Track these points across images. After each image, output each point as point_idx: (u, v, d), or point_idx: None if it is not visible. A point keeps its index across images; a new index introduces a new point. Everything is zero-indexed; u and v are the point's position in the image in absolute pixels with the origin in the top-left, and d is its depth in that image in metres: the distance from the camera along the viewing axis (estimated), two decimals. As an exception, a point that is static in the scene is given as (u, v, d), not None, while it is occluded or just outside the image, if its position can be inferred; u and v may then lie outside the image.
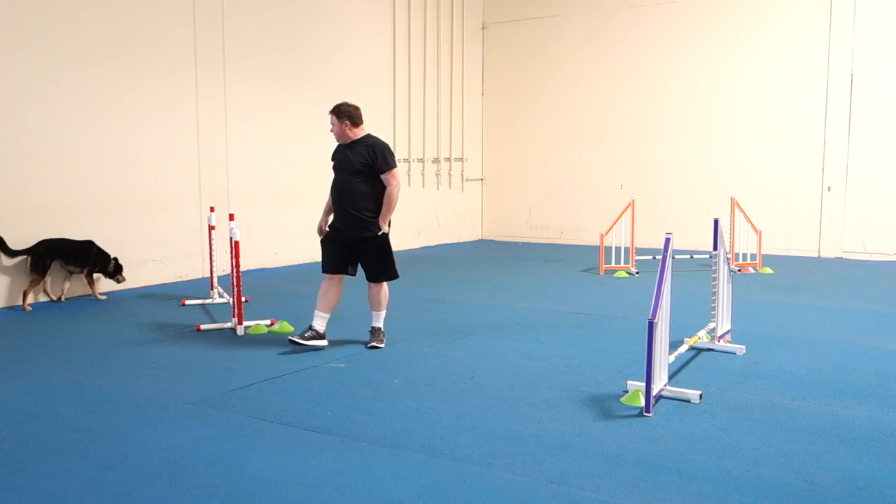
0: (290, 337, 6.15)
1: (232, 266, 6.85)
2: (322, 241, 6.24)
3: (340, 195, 6.08)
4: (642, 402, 4.59)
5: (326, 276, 6.20)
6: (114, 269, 8.48)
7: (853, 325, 7.04)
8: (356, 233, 6.06)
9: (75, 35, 8.44)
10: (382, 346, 6.20)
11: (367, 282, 6.26)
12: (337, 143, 6.25)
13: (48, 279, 8.17)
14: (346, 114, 6.08)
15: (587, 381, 5.21)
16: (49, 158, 8.29)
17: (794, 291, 8.89)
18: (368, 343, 6.21)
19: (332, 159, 6.24)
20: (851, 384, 5.14)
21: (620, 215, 10.56)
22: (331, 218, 6.24)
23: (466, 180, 14.67)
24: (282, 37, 10.85)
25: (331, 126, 6.17)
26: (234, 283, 6.77)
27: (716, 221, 5.73)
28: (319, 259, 6.28)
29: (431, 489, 3.52)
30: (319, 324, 6.12)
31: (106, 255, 8.43)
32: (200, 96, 9.76)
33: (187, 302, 8.12)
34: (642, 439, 4.13)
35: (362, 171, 6.03)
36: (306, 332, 6.10)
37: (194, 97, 9.70)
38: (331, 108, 6.18)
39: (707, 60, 12.75)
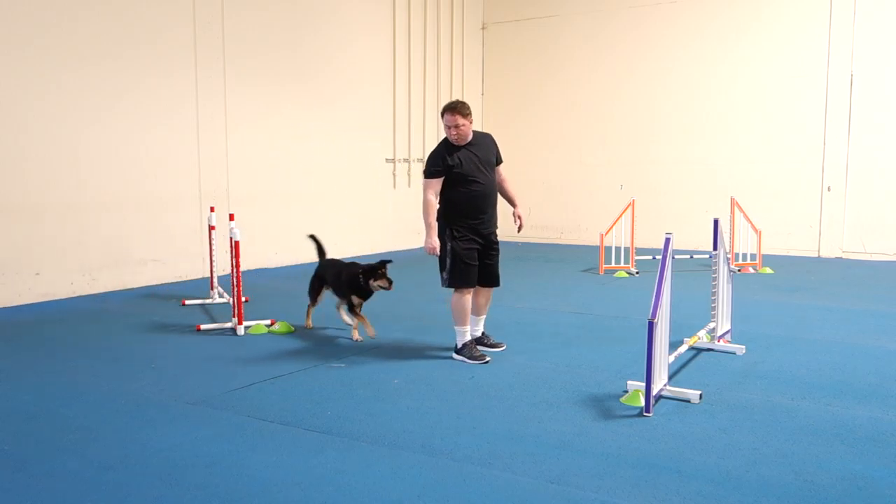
0: (485, 361, 5.62)
1: (232, 266, 6.85)
2: (460, 256, 5.53)
3: (488, 198, 5.60)
4: (642, 402, 4.59)
5: (466, 290, 5.62)
6: (369, 275, 6.25)
7: (853, 325, 7.04)
8: (495, 235, 5.74)
9: (75, 35, 8.44)
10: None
11: (480, 288, 5.78)
12: (446, 148, 5.53)
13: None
14: (470, 111, 5.50)
15: (587, 381, 5.21)
16: (49, 158, 8.29)
17: (794, 291, 8.89)
18: (498, 347, 6.00)
19: (451, 164, 5.47)
20: (851, 384, 5.14)
21: (620, 215, 10.56)
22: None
23: (466, 180, 14.65)
24: (282, 37, 10.85)
25: (456, 127, 5.44)
26: (234, 283, 6.77)
27: (716, 221, 5.73)
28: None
29: (431, 489, 3.52)
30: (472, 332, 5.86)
31: (354, 273, 6.32)
32: (200, 96, 9.76)
33: (187, 302, 8.13)
34: (642, 439, 4.13)
35: (493, 167, 5.66)
36: (472, 349, 5.70)
37: (194, 97, 9.70)
38: (446, 107, 5.46)
39: (707, 60, 12.76)
